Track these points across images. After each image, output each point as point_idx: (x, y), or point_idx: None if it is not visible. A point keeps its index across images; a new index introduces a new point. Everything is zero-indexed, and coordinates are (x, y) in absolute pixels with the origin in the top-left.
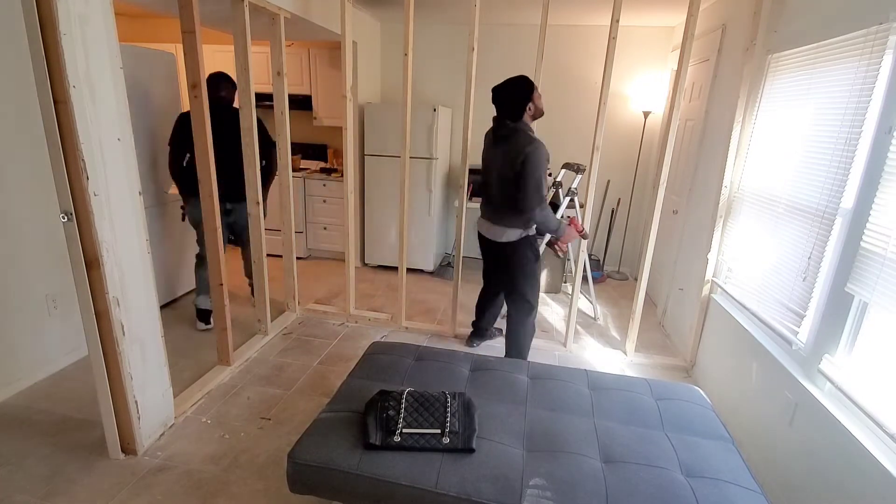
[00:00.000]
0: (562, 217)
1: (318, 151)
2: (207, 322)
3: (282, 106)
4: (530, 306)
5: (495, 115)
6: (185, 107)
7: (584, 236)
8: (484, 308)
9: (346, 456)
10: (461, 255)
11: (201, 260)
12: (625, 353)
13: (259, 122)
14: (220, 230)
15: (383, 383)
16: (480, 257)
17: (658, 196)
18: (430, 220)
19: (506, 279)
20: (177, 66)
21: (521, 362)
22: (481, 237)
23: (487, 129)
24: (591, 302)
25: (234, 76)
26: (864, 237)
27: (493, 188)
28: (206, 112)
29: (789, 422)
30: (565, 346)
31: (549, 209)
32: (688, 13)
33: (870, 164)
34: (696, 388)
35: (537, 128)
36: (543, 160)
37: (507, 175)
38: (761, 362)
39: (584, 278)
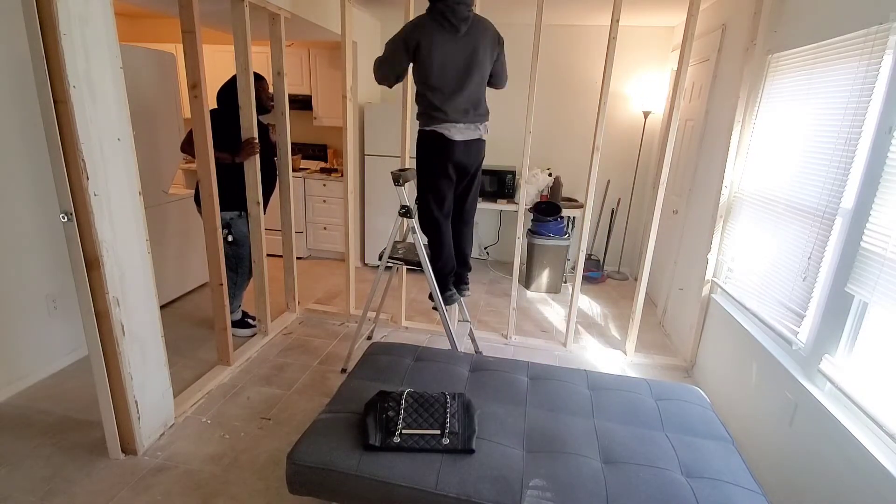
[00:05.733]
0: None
1: (318, 151)
2: (244, 327)
3: (282, 106)
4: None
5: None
6: (186, 107)
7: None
8: None
9: (345, 457)
10: None
11: (241, 279)
12: (625, 353)
13: (265, 128)
14: (220, 230)
15: (383, 384)
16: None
17: (658, 196)
18: None
19: None
20: (177, 66)
21: (521, 363)
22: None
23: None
24: None
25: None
26: (864, 237)
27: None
28: (206, 112)
29: (789, 422)
30: (565, 346)
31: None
32: (688, 13)
33: (870, 164)
34: (696, 388)
35: (537, 127)
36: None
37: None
38: (761, 362)
39: None
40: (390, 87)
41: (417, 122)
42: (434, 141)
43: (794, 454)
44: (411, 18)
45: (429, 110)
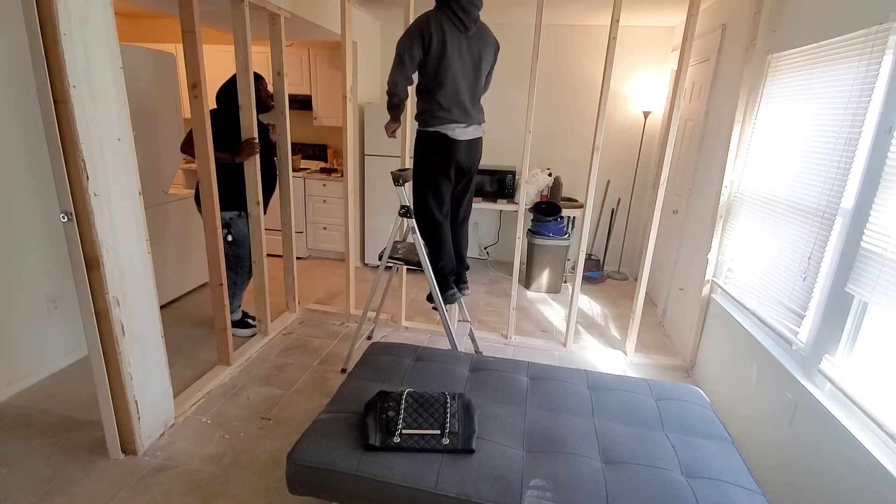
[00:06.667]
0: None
1: (318, 151)
2: (244, 327)
3: (282, 106)
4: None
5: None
6: (186, 107)
7: None
8: None
9: (345, 457)
10: None
11: (241, 279)
12: (625, 353)
13: (265, 128)
14: (220, 230)
15: (383, 384)
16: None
17: (658, 196)
18: None
19: None
20: (177, 66)
21: (521, 363)
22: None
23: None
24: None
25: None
26: (864, 237)
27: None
28: (206, 112)
29: (789, 422)
30: (565, 346)
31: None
32: (688, 13)
33: (870, 164)
34: (696, 388)
35: (537, 127)
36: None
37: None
38: (761, 362)
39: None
40: (404, 92)
41: (416, 122)
42: (437, 142)
43: (794, 454)
44: (412, 18)
45: (434, 109)
